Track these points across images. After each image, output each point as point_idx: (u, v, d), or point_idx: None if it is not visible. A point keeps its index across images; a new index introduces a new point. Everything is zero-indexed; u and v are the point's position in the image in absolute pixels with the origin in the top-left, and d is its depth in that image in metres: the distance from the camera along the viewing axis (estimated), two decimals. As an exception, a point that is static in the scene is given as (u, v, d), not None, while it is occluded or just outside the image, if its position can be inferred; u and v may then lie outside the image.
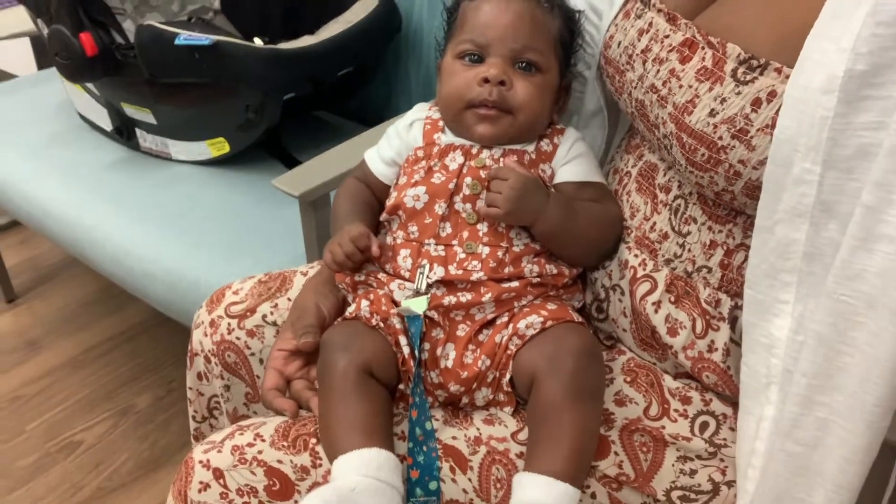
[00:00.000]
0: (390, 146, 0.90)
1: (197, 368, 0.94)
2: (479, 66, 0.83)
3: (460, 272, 0.79)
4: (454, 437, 0.75)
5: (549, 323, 0.76)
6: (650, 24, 0.76)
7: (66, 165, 1.50)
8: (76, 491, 1.46)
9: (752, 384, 0.69)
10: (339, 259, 0.81)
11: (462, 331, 0.79)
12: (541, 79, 0.83)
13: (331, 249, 0.82)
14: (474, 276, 0.78)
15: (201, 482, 0.72)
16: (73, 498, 1.45)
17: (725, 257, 0.74)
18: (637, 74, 0.77)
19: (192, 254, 1.25)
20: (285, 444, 0.74)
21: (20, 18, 1.72)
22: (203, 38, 1.26)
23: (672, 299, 0.77)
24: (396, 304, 0.80)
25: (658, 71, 0.73)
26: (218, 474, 0.72)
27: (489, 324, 0.79)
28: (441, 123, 0.87)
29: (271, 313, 0.90)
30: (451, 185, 0.81)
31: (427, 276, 0.79)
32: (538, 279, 0.80)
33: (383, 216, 0.86)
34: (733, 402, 0.76)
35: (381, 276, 0.83)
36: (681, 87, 0.70)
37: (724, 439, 0.76)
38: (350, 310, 0.81)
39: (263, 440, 0.74)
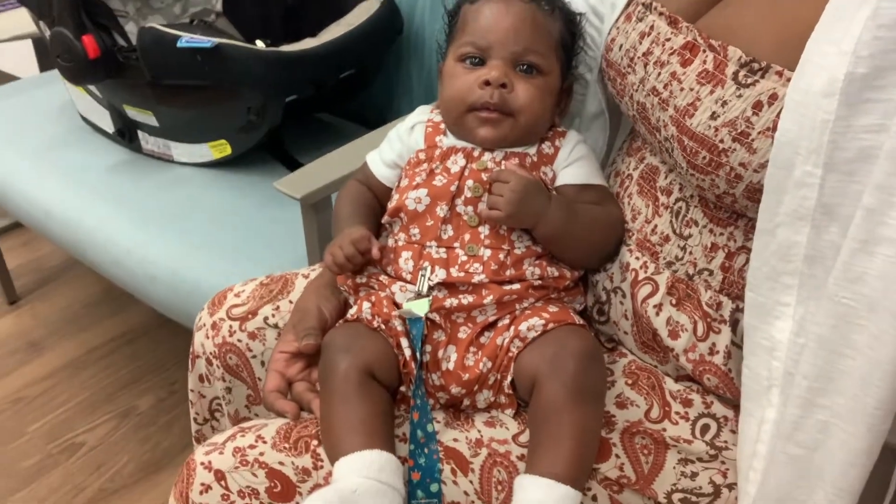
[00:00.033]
0: (392, 149, 0.90)
1: (198, 370, 0.94)
2: (480, 69, 0.83)
3: (462, 274, 0.79)
4: (455, 440, 0.75)
5: (551, 325, 0.76)
6: (651, 27, 0.76)
7: (68, 167, 1.50)
8: (78, 492, 1.46)
9: (753, 387, 0.69)
10: (339, 261, 0.81)
11: (463, 333, 0.79)
12: (542, 81, 0.84)
13: (331, 252, 0.82)
14: (476, 279, 0.78)
15: (203, 484, 0.72)
16: (75, 499, 1.45)
17: (726, 260, 0.74)
18: (638, 77, 0.77)
19: (194, 256, 1.26)
20: (287, 445, 0.74)
21: (22, 20, 1.72)
22: (205, 41, 1.26)
23: (673, 302, 0.77)
24: (398, 306, 0.80)
25: (659, 74, 0.73)
26: (219, 476, 0.72)
27: (490, 326, 0.79)
28: (443, 126, 0.87)
29: (273, 316, 0.90)
30: (453, 188, 0.81)
31: (429, 279, 0.79)
32: (540, 281, 0.80)
33: (385, 218, 0.86)
34: (734, 405, 0.76)
35: (383, 278, 0.83)
36: (682, 89, 0.70)
37: (726, 442, 0.76)
38: (351, 312, 0.81)
39: (265, 442, 0.74)
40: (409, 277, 0.81)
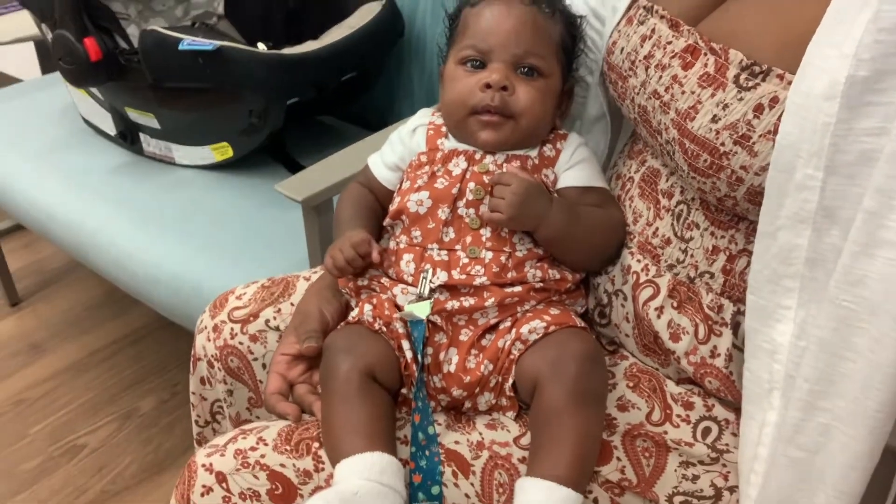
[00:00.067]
0: (393, 151, 0.90)
1: (200, 373, 0.94)
2: (481, 72, 0.83)
3: (463, 277, 0.79)
4: (457, 442, 0.75)
5: (552, 328, 0.76)
6: (653, 31, 0.76)
7: (70, 169, 1.50)
8: (80, 494, 1.46)
9: (754, 389, 0.69)
10: (339, 264, 0.81)
11: (465, 335, 0.79)
12: (543, 83, 0.84)
13: (332, 255, 0.82)
14: (477, 281, 0.78)
15: (204, 486, 0.72)
16: (77, 501, 1.45)
17: (728, 263, 0.74)
18: (639, 80, 0.77)
19: (196, 258, 1.26)
20: (288, 447, 0.74)
21: (24, 23, 1.72)
22: (207, 44, 1.27)
23: (674, 305, 0.77)
24: (399, 308, 0.80)
25: (660, 77, 0.73)
26: (221, 478, 0.72)
27: (492, 328, 0.79)
28: (444, 129, 0.87)
29: (274, 318, 0.90)
30: (455, 191, 0.82)
31: (430, 281, 0.79)
32: (541, 284, 0.80)
33: (387, 221, 0.86)
34: (736, 408, 0.76)
35: (385, 280, 0.83)
36: (683, 93, 0.70)
37: (727, 445, 0.76)
38: (353, 314, 0.81)
39: (266, 444, 0.74)
40: (410, 280, 0.81)
